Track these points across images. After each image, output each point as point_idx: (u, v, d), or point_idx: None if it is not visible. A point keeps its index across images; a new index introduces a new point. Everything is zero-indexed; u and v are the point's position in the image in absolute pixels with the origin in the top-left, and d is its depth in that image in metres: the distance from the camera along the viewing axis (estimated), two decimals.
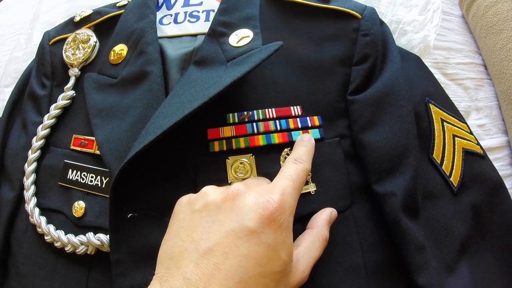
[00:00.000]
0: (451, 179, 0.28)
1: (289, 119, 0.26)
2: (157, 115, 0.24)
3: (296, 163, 0.22)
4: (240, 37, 0.27)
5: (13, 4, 0.58)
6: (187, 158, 0.25)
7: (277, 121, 0.26)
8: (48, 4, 0.50)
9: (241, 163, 0.25)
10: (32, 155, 0.30)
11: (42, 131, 0.31)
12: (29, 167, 0.30)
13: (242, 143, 0.25)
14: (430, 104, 0.30)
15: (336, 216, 0.24)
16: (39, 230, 0.27)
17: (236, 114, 0.26)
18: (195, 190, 0.24)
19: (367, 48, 0.28)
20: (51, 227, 0.27)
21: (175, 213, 0.21)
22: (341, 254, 0.24)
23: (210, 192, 0.20)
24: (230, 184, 0.25)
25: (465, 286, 0.25)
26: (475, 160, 0.30)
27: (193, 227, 0.19)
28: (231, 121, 0.26)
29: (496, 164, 0.31)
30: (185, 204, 0.21)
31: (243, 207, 0.18)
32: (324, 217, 0.23)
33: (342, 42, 0.29)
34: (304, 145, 0.24)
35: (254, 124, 0.26)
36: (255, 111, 0.26)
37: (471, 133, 0.32)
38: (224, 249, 0.17)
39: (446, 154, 0.28)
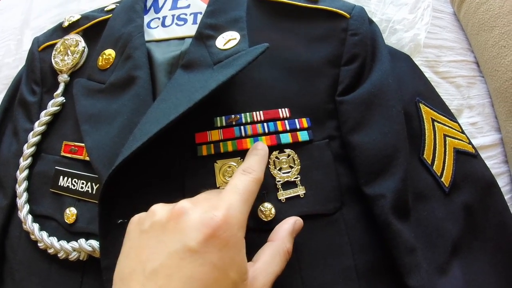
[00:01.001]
0: (442, 179, 0.28)
1: (277, 122, 0.26)
2: (144, 121, 0.24)
3: (245, 174, 0.21)
4: (227, 40, 0.27)
5: (3, 10, 0.58)
6: (175, 162, 0.25)
7: (265, 124, 0.26)
8: (38, 9, 0.50)
9: (229, 166, 0.25)
10: (24, 162, 0.30)
11: (33, 138, 0.31)
12: (21, 174, 0.30)
13: (230, 146, 0.25)
14: (420, 104, 0.30)
15: (302, 226, 0.23)
16: (32, 237, 0.27)
17: (223, 117, 0.26)
18: (184, 195, 0.24)
19: (356, 48, 0.28)
20: (44, 234, 0.27)
21: (127, 232, 0.21)
22: (331, 256, 0.24)
23: (157, 211, 0.20)
24: (218, 188, 0.24)
25: (457, 287, 0.25)
26: (467, 159, 0.30)
27: (141, 248, 0.19)
28: (219, 125, 0.26)
29: (489, 162, 0.31)
30: (135, 224, 0.20)
31: (186, 226, 0.18)
32: (286, 227, 0.22)
33: (330, 42, 0.29)
34: (256, 153, 0.23)
35: (242, 127, 0.26)
36: (242, 114, 0.26)
37: (462, 132, 0.31)
38: (167, 271, 0.17)
39: (437, 154, 0.28)
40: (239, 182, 0.21)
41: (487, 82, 0.40)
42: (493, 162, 0.35)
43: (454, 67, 0.40)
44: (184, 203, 0.19)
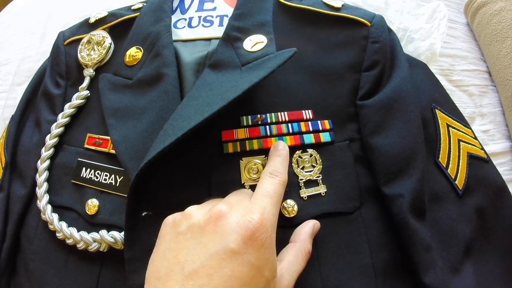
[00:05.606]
0: (456, 182, 0.28)
1: (301, 123, 0.27)
2: (175, 117, 0.25)
3: (272, 177, 0.22)
4: (254, 43, 0.28)
5: (28, 4, 0.59)
6: (202, 159, 0.26)
7: (289, 124, 0.27)
8: (62, 5, 0.50)
9: (254, 164, 0.26)
10: (46, 153, 0.30)
11: (56, 130, 0.31)
12: (42, 165, 0.30)
13: (255, 144, 0.26)
14: (436, 110, 0.30)
15: (319, 228, 0.24)
16: (51, 227, 0.27)
17: (249, 117, 0.27)
18: (210, 190, 0.25)
19: (376, 55, 0.29)
20: (64, 224, 0.27)
21: (161, 234, 0.21)
22: (350, 254, 0.25)
23: (194, 213, 0.21)
24: (243, 184, 0.25)
25: (469, 286, 0.25)
26: (480, 164, 0.30)
27: (178, 249, 0.19)
28: (245, 124, 0.27)
29: (499, 169, 0.32)
30: (170, 226, 0.21)
31: (225, 229, 0.19)
32: (307, 230, 0.23)
33: (352, 49, 0.30)
34: (279, 154, 0.24)
35: (267, 126, 0.26)
36: (268, 114, 0.27)
37: (475, 138, 0.32)
38: (208, 271, 0.18)
39: (451, 158, 0.29)
40: (268, 186, 0.22)
41: (498, 91, 0.41)
42: (503, 168, 0.36)
43: (467, 76, 0.40)
44: (221, 206, 0.20)
